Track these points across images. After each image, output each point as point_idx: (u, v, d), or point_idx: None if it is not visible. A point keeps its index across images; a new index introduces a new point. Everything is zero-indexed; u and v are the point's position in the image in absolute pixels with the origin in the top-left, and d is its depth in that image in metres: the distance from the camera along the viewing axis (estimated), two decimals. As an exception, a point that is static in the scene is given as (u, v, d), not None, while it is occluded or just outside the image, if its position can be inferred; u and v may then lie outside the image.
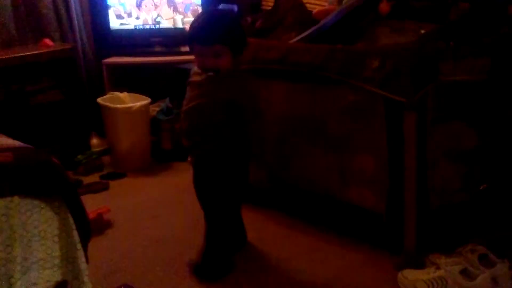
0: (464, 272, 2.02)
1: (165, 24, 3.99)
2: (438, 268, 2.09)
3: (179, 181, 3.42)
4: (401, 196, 2.23)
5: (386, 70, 2.16)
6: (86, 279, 1.79)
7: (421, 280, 2.07)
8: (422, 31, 2.30)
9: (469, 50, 2.19)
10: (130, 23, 3.99)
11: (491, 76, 2.22)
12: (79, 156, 3.64)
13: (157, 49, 4.02)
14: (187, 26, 3.83)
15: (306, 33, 2.65)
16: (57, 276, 1.75)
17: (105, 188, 3.39)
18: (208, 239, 2.38)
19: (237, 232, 2.54)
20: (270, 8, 3.33)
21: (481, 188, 2.40)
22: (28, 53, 3.51)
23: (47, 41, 3.71)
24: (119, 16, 3.97)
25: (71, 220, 1.77)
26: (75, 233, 1.78)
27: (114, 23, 3.97)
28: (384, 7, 2.44)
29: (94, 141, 3.91)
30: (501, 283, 2.03)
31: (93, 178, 3.55)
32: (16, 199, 1.68)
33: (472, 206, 2.38)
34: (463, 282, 1.99)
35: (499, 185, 2.46)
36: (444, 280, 2.02)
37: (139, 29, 4.00)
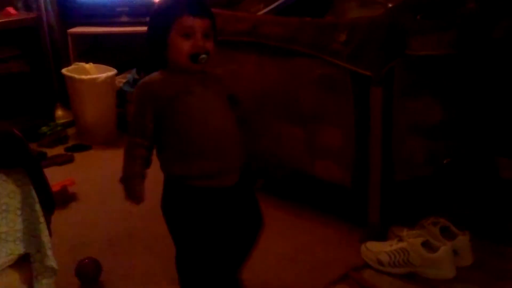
0: (426, 244, 2.05)
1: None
2: (400, 240, 2.11)
3: (145, 154, 3.39)
4: (366, 169, 2.25)
5: (354, 43, 2.16)
6: (49, 252, 1.77)
7: (384, 252, 2.10)
8: (390, 5, 2.30)
9: (436, 24, 2.19)
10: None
11: (457, 51, 2.23)
12: (43, 128, 3.59)
13: (124, 19, 3.96)
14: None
15: (274, 5, 2.63)
16: (19, 249, 1.73)
17: (70, 160, 3.36)
18: None
19: None
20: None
21: (445, 162, 2.42)
22: (-10, 22, 3.43)
23: (10, 9, 3.64)
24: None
25: (33, 193, 1.75)
26: (37, 206, 1.75)
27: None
28: (352, -20, 2.43)
29: (59, 112, 3.86)
30: (461, 255, 2.07)
31: (58, 150, 3.51)
32: (-24, 172, 1.65)
33: (436, 180, 2.41)
34: (424, 254, 2.02)
35: (463, 160, 2.49)
36: (406, 252, 2.05)
37: (104, -2, 3.93)
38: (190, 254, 1.75)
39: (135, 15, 3.93)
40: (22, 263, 1.75)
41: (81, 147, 3.54)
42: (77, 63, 3.74)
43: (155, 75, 1.67)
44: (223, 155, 1.66)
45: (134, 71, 3.80)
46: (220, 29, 2.54)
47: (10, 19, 3.53)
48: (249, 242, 1.84)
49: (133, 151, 1.67)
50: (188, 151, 1.63)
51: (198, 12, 1.61)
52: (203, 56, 1.60)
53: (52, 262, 1.77)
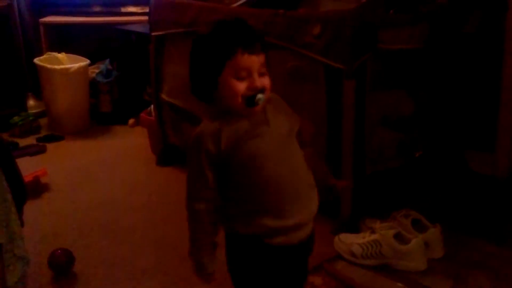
0: (398, 236, 2.08)
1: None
2: (373, 232, 2.14)
3: (118, 145, 3.39)
4: (338, 161, 2.27)
5: (327, 37, 2.17)
6: (20, 242, 1.75)
7: (356, 244, 2.12)
8: (363, -1, 2.32)
9: (406, 19, 2.22)
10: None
11: (428, 45, 2.26)
12: (15, 118, 3.56)
13: (97, 9, 3.93)
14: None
15: (248, -3, 2.63)
16: (-9, 239, 1.72)
17: (42, 151, 3.33)
18: None
19: None
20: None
21: (416, 155, 2.46)
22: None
23: (-20, -3, 3.58)
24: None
25: (4, 183, 1.73)
26: (9, 196, 1.74)
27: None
28: (326, -27, 2.44)
29: (31, 102, 3.82)
30: (433, 247, 2.10)
31: (30, 140, 3.48)
32: None
33: (407, 173, 2.44)
34: (396, 246, 2.05)
35: (434, 152, 2.53)
36: (378, 244, 2.07)
37: (77, -13, 3.90)
38: None
39: (108, 5, 3.91)
40: (-6, 253, 1.73)
41: (53, 138, 3.51)
42: (49, 52, 3.70)
43: (209, 124, 1.38)
44: (301, 205, 1.42)
45: (107, 61, 3.78)
46: (193, 20, 2.55)
47: (-19, 7, 3.49)
48: None
49: (197, 215, 1.39)
50: (261, 206, 1.38)
51: (253, 48, 1.33)
52: (260, 96, 1.34)
53: (24, 252, 1.76)
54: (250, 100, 1.34)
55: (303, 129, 1.52)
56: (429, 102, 2.45)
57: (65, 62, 3.62)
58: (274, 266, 1.41)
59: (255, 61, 1.33)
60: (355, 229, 2.28)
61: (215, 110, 1.40)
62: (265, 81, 1.35)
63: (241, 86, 1.33)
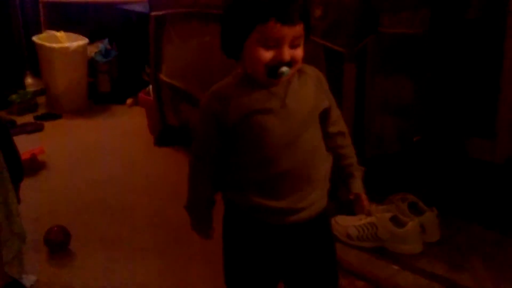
0: (394, 219, 2.08)
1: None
2: (369, 214, 2.14)
3: (116, 124, 3.38)
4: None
5: (328, 19, 2.16)
6: (17, 219, 1.76)
7: (353, 226, 2.12)
8: (365, -18, 2.30)
9: (408, 3, 2.21)
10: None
11: (429, 30, 2.25)
12: (13, 96, 3.55)
13: (96, -13, 3.90)
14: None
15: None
16: (-13, 216, 1.72)
17: (40, 129, 3.33)
18: None
19: None
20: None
21: (414, 140, 2.45)
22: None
23: (-21, -26, 3.55)
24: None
25: (1, 160, 1.73)
26: (5, 173, 1.74)
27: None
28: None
29: (29, 80, 3.81)
30: (429, 230, 2.10)
31: (27, 118, 3.48)
32: None
33: (405, 157, 2.44)
34: (392, 229, 2.05)
35: (432, 138, 2.53)
36: (374, 226, 2.07)
37: (78, -35, 3.86)
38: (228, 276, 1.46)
39: (109, -16, 3.88)
40: (-10, 229, 1.74)
41: (51, 116, 3.51)
42: (48, 31, 3.68)
43: (226, 85, 1.32)
44: (301, 193, 1.34)
45: (106, 41, 3.76)
46: (193, 1, 2.53)
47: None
48: None
49: (197, 172, 1.37)
50: (257, 182, 1.32)
51: (289, 19, 1.20)
52: (284, 70, 1.22)
53: (20, 229, 1.77)
54: (272, 71, 1.23)
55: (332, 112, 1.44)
56: (430, 88, 2.44)
57: (64, 41, 3.60)
58: (260, 241, 1.37)
59: (288, 32, 1.20)
60: (351, 212, 2.28)
61: (239, 72, 1.31)
62: (297, 54, 1.24)
63: (267, 55, 1.22)
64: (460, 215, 2.27)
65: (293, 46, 1.23)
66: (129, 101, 3.64)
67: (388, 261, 2.03)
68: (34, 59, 3.68)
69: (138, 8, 3.54)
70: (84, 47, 3.59)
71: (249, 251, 1.39)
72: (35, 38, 3.57)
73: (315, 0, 2.22)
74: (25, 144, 2.75)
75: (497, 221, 2.21)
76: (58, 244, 2.15)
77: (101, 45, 3.74)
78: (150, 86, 3.11)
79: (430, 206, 2.14)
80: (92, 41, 3.72)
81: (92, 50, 3.73)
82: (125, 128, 3.10)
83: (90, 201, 2.50)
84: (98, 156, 2.97)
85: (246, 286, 1.43)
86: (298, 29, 1.22)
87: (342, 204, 2.29)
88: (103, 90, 3.76)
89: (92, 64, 3.70)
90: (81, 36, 3.63)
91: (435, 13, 2.21)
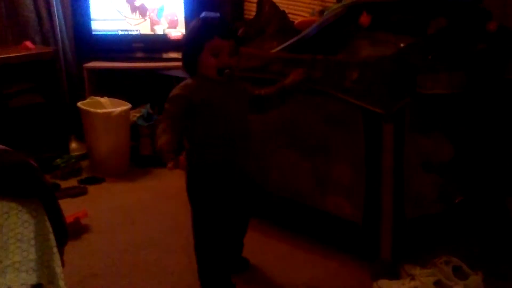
0: (438, 284, 2.04)
1: (146, 30, 3.99)
2: (413, 279, 2.11)
3: (157, 187, 3.42)
4: (377, 205, 2.26)
5: (365, 81, 2.19)
6: (61, 283, 1.77)
7: (396, 290, 2.09)
8: (401, 44, 2.33)
9: (446, 65, 2.22)
10: (112, 28, 3.99)
11: (467, 91, 2.25)
12: (57, 160, 3.62)
13: (139, 54, 4.01)
14: (169, 34, 3.86)
15: (288, 42, 2.66)
16: (32, 279, 1.74)
17: (83, 192, 3.38)
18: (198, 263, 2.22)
19: (233, 255, 2.38)
20: (252, 17, 3.35)
21: (456, 201, 2.42)
22: (8, 55, 3.50)
23: (28, 43, 3.69)
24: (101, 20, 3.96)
25: (47, 224, 1.76)
26: (51, 237, 1.77)
27: (97, 27, 3.96)
28: (364, 19, 2.46)
29: (73, 145, 3.89)
30: (474, 294, 2.06)
31: (71, 182, 3.53)
32: (-8, 201, 1.66)
33: (448, 218, 2.41)
34: (437, 293, 2.01)
35: (474, 198, 2.49)
36: (418, 291, 2.04)
37: (120, 34, 4.00)
38: (203, 227, 2.16)
39: (150, 51, 3.99)
40: (35, 293, 1.75)
41: (95, 180, 3.56)
42: (92, 96, 3.78)
43: (189, 82, 2.07)
44: (240, 148, 2.10)
45: (148, 105, 3.84)
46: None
47: (28, 53, 3.60)
48: (245, 221, 2.36)
49: (162, 129, 1.96)
50: (214, 144, 2.06)
51: (225, 35, 2.01)
52: (227, 70, 2.01)
53: (64, 292, 1.78)
54: (220, 71, 2.02)
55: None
56: (470, 147, 2.43)
57: (107, 106, 3.69)
58: (218, 187, 2.09)
59: (226, 44, 2.01)
60: (394, 275, 2.25)
61: (193, 77, 2.07)
62: (233, 61, 2.04)
63: (215, 61, 2.01)
64: (506, 278, 2.22)
65: (230, 55, 2.02)
66: (170, 164, 3.67)
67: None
68: (78, 124, 3.76)
69: (178, 73, 3.62)
70: (127, 112, 3.67)
71: (212, 196, 2.10)
72: (79, 104, 3.66)
73: (351, 64, 2.26)
74: (69, 208, 2.80)
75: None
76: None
77: (143, 110, 3.82)
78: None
79: (474, 269, 2.10)
80: (134, 106, 3.80)
81: (134, 115, 3.81)
82: (166, 190, 3.12)
83: (132, 264, 2.51)
84: (140, 218, 3.00)
85: (217, 235, 2.13)
86: (232, 42, 2.03)
87: (384, 267, 2.27)
88: (145, 153, 3.81)
89: (134, 128, 3.78)
90: (124, 102, 3.72)
91: (472, 74, 2.22)
